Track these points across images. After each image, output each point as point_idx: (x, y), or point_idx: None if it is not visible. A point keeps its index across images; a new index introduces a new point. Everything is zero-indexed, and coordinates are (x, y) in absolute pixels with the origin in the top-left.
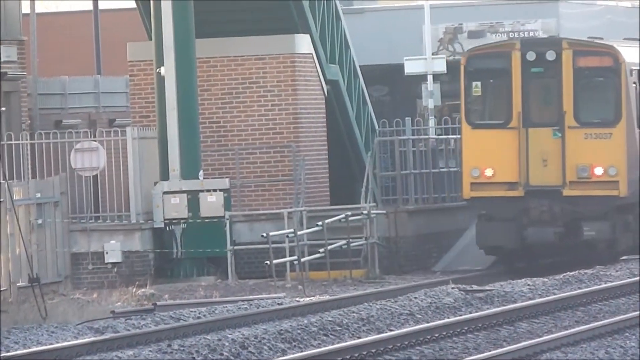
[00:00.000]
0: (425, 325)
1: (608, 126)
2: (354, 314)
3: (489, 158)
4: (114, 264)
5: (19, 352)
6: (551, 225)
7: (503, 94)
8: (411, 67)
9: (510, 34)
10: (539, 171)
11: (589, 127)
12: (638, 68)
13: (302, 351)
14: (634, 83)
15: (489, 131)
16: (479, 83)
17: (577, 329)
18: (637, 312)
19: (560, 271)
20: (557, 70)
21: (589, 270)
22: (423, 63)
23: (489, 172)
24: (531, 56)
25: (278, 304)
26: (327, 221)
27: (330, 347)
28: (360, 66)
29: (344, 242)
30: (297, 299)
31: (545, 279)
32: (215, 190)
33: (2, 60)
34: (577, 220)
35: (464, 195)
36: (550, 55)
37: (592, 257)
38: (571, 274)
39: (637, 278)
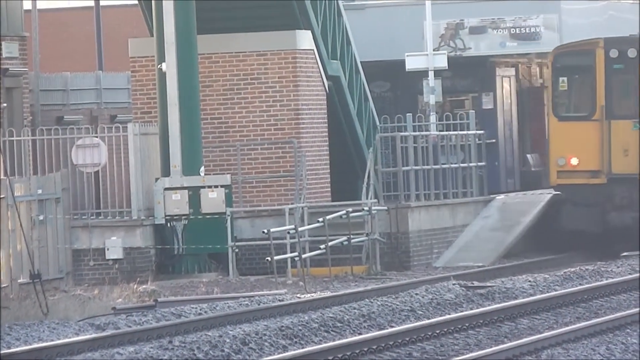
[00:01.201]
0: (426, 321)
1: None
2: (355, 310)
3: (574, 148)
4: (115, 260)
5: (20, 348)
6: (631, 210)
7: (587, 88)
8: (412, 63)
9: (512, 29)
10: (620, 160)
11: None
12: None
13: (303, 347)
14: None
15: (574, 123)
16: (565, 78)
17: (578, 325)
18: (638, 309)
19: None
20: (637, 67)
21: (589, 267)
22: (424, 59)
23: (574, 161)
24: (614, 53)
25: (279, 300)
26: (328, 217)
27: (331, 343)
28: (361, 62)
29: (345, 238)
30: (298, 295)
31: (547, 275)
32: (216, 187)
33: (3, 56)
34: None
35: (551, 182)
36: (632, 53)
37: None
38: (572, 270)
39: (638, 274)
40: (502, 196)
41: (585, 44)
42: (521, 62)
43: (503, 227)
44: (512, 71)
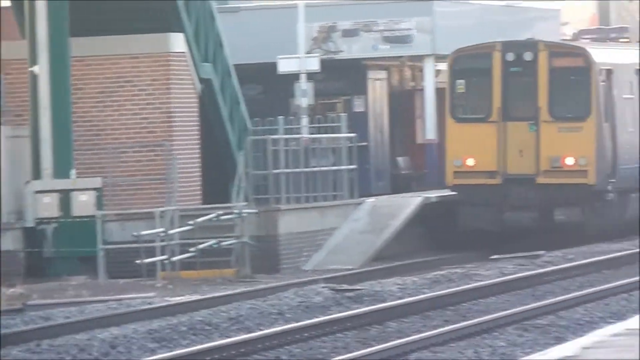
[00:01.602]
0: (295, 324)
1: (579, 120)
2: (224, 314)
3: (470, 149)
4: None
5: None
6: (527, 210)
7: (484, 91)
8: (285, 65)
9: (384, 32)
10: (516, 161)
11: (561, 121)
12: (606, 68)
13: (171, 351)
14: (603, 82)
15: (471, 125)
16: (463, 81)
17: (446, 328)
18: (506, 312)
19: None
20: (534, 70)
21: (458, 270)
22: (297, 62)
23: (470, 162)
24: (510, 57)
25: (148, 303)
26: (198, 220)
27: (200, 346)
28: (234, 65)
29: (215, 241)
30: (167, 298)
31: (415, 278)
32: (87, 189)
33: None
34: (550, 206)
35: (447, 183)
36: (528, 56)
37: (563, 239)
38: (441, 273)
39: (507, 277)
40: (372, 199)
41: (483, 47)
42: (393, 65)
43: (373, 230)
44: (384, 74)
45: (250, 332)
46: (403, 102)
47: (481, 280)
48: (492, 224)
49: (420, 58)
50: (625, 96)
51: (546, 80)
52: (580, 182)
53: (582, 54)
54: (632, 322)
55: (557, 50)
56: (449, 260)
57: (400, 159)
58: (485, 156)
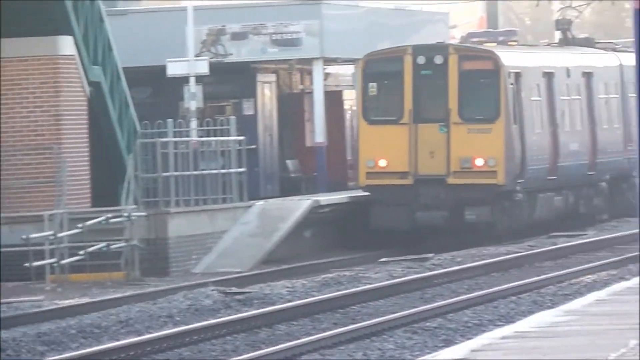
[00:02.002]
0: (184, 327)
1: (488, 122)
2: (113, 317)
3: (382, 150)
4: None
5: None
6: (438, 210)
7: (396, 93)
8: (174, 68)
9: (273, 35)
10: (427, 162)
11: (471, 123)
12: (515, 71)
13: (60, 354)
14: (511, 84)
15: (383, 127)
16: (374, 84)
17: (335, 331)
18: (395, 314)
19: (447, 250)
20: (444, 73)
21: (347, 272)
22: (186, 65)
23: (382, 163)
24: (421, 60)
25: (36, 306)
26: (87, 223)
27: (89, 349)
28: (123, 68)
29: (104, 244)
30: (57, 301)
31: (305, 281)
32: None
33: None
34: (460, 206)
35: (359, 183)
36: (438, 59)
37: (474, 238)
38: (331, 276)
39: (396, 280)
40: (261, 202)
41: (394, 51)
42: (282, 68)
43: (262, 233)
44: (273, 77)
45: (139, 335)
46: (292, 105)
47: (370, 283)
48: (404, 224)
49: (309, 61)
50: (533, 98)
51: (456, 83)
52: (490, 183)
53: (492, 57)
54: (521, 325)
55: (467, 53)
56: (339, 263)
57: (289, 162)
58: (397, 157)
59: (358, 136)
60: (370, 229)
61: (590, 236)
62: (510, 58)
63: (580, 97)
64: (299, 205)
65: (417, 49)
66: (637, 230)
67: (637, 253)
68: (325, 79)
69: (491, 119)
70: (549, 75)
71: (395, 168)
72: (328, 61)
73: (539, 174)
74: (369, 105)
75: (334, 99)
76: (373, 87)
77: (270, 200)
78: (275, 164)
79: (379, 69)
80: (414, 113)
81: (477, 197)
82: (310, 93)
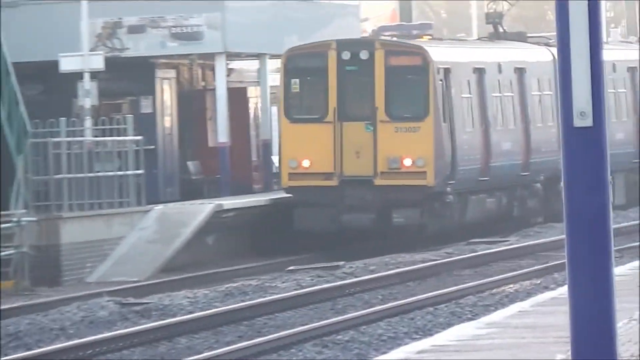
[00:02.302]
0: (78, 341)
1: (417, 120)
2: (1, 329)
3: (306, 150)
4: None
5: None
6: (364, 212)
7: (320, 90)
8: (67, 64)
9: (172, 29)
10: (353, 162)
11: (399, 121)
12: (444, 67)
13: None
14: (441, 80)
15: (306, 125)
16: (297, 80)
17: (240, 344)
18: (304, 327)
19: (373, 255)
20: (370, 69)
21: (253, 282)
22: (80, 60)
23: (306, 163)
24: (346, 55)
25: None
26: None
27: None
28: (13, 63)
29: None
30: None
31: (207, 291)
32: None
33: None
34: (388, 208)
35: (282, 184)
36: (364, 55)
37: (403, 241)
38: (235, 285)
39: (304, 290)
40: (160, 206)
41: (318, 45)
42: (183, 63)
43: (162, 240)
44: (173, 73)
45: (29, 349)
46: (194, 103)
47: (277, 294)
48: (329, 226)
49: (211, 56)
50: (463, 95)
51: (383, 79)
52: (419, 184)
53: (420, 52)
54: (439, 338)
55: (394, 48)
56: (244, 272)
57: (190, 164)
58: (321, 157)
59: (280, 135)
60: (295, 231)
61: (512, 242)
62: (439, 53)
63: (512, 94)
64: (201, 209)
65: (342, 44)
66: (561, 237)
67: (562, 261)
68: (228, 75)
69: (420, 117)
70: (479, 71)
71: (320, 168)
72: (231, 56)
73: (470, 174)
74: (292, 103)
75: (237, 96)
76: (295, 83)
77: (170, 204)
78: (176, 166)
79: (302, 65)
80: (339, 111)
81: (406, 199)
82: (213, 90)
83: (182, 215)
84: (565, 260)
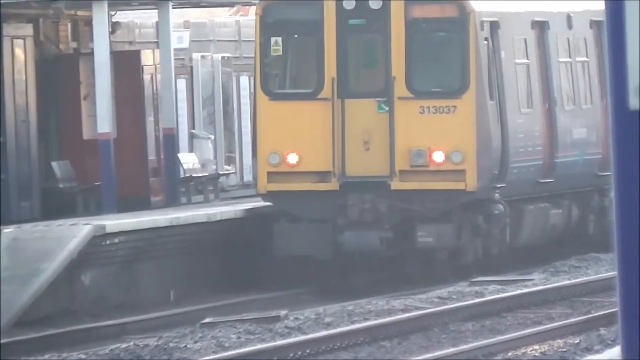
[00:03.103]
0: None
1: (451, 97)
2: None
3: (293, 140)
4: None
5: None
6: (376, 228)
7: (312, 54)
8: None
9: None
10: (360, 157)
11: (425, 98)
12: (491, 19)
13: None
14: (486, 39)
15: (293, 103)
16: (279, 39)
17: None
18: None
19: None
20: (384, 23)
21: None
22: None
23: (292, 159)
24: (349, 4)
25: None
26: None
27: None
28: None
29: None
30: None
31: (83, 355)
32: None
33: None
34: (409, 222)
35: (258, 189)
36: (375, 4)
37: (429, 271)
38: (124, 346)
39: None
40: (11, 229)
41: None
42: (44, 15)
43: (14, 279)
44: (28, 29)
45: None
46: (61, 74)
47: (186, 359)
48: (324, 249)
49: (87, 4)
50: (518, 61)
51: (402, 38)
52: (454, 188)
53: None
54: None
55: None
56: (139, 326)
57: (56, 165)
58: (314, 150)
59: (254, 118)
60: (276, 257)
61: (537, 282)
62: (483, 1)
63: (588, 59)
64: (73, 232)
65: None
66: (610, 274)
67: (610, 310)
68: (112, 32)
69: (455, 93)
70: (541, 26)
71: (312, 166)
72: (117, 4)
73: (527, 174)
74: (271, 72)
75: (127, 63)
76: (277, 43)
77: (27, 226)
78: (34, 168)
79: (287, 17)
80: (340, 83)
81: (435, 210)
82: (90, 54)
83: (44, 242)
84: (617, 277)
